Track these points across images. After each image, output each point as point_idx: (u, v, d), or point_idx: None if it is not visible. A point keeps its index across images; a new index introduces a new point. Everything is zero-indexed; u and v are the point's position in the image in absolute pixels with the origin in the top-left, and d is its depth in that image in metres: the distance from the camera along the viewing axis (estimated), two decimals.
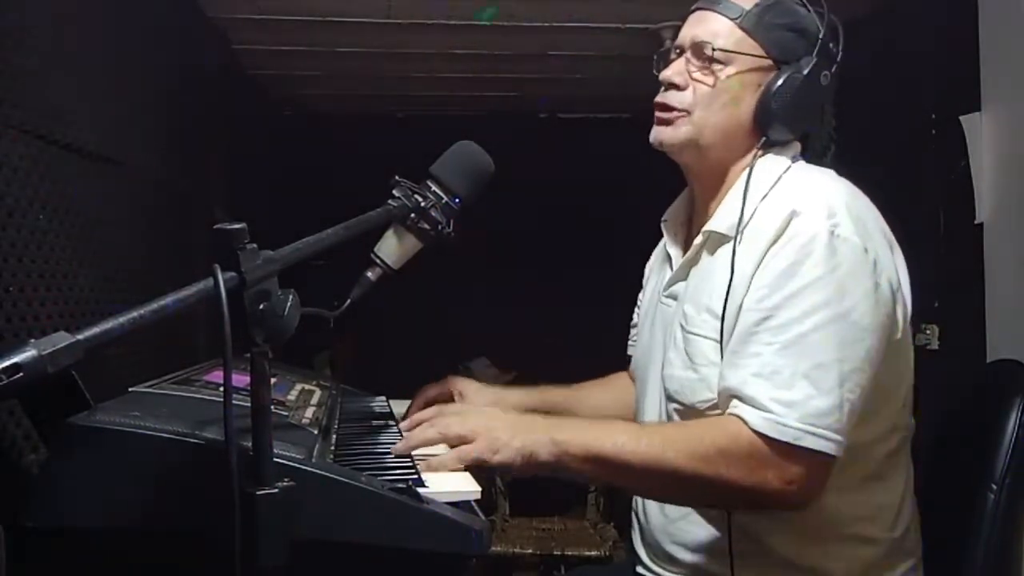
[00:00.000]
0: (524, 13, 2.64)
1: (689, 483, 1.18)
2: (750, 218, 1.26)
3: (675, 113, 1.33)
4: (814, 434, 1.13)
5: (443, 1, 2.54)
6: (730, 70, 1.30)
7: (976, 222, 2.11)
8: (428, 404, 1.54)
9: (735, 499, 1.21)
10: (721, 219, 1.31)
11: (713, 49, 1.29)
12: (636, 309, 1.62)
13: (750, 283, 1.22)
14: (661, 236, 1.52)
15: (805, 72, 1.29)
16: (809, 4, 1.34)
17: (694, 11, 1.36)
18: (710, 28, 1.31)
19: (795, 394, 1.14)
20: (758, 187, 1.28)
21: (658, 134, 1.35)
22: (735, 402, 1.18)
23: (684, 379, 1.30)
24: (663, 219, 1.50)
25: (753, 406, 1.16)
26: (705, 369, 1.27)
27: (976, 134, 2.11)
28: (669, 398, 1.34)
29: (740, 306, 1.22)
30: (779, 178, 1.29)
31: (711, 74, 1.30)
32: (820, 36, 1.30)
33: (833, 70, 1.32)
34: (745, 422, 1.16)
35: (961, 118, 2.14)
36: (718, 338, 1.24)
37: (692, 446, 1.17)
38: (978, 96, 2.10)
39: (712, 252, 1.33)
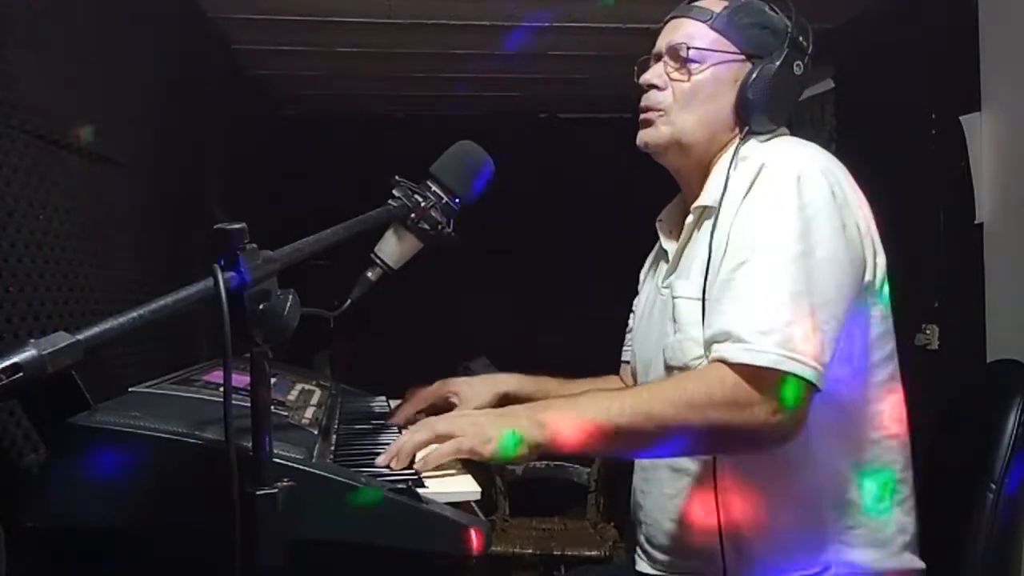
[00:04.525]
0: (524, 13, 2.64)
1: (680, 433, 1.19)
2: (731, 186, 1.31)
3: (655, 113, 1.39)
4: (792, 359, 1.15)
5: (443, 1, 2.54)
6: (706, 67, 1.36)
7: (976, 222, 2.11)
8: (421, 412, 1.55)
9: (727, 441, 1.22)
10: (707, 194, 1.36)
11: (688, 48, 1.36)
12: (631, 315, 1.63)
13: (728, 237, 1.27)
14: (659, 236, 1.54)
15: (778, 63, 1.34)
16: (776, 8, 1.39)
17: (668, 21, 1.44)
18: (684, 32, 1.38)
19: (772, 322, 1.17)
20: (740, 163, 1.33)
21: (642, 136, 1.41)
22: (716, 345, 1.21)
23: (674, 343, 1.34)
24: (658, 219, 1.54)
25: (734, 340, 1.18)
26: (692, 329, 1.30)
27: (976, 134, 2.11)
28: (667, 368, 1.37)
29: (721, 261, 1.26)
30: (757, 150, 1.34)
31: (687, 73, 1.37)
32: (789, 31, 1.36)
33: (805, 61, 1.37)
34: (726, 360, 1.18)
35: (961, 118, 2.14)
36: (701, 296, 1.28)
37: (677, 396, 1.19)
38: (978, 96, 2.10)
39: (700, 228, 1.38)
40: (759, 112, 1.35)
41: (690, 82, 1.36)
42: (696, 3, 1.40)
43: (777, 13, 1.39)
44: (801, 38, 1.37)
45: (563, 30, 2.78)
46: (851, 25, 2.69)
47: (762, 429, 1.17)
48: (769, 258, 1.21)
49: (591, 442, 1.20)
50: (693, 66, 1.36)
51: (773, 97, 1.35)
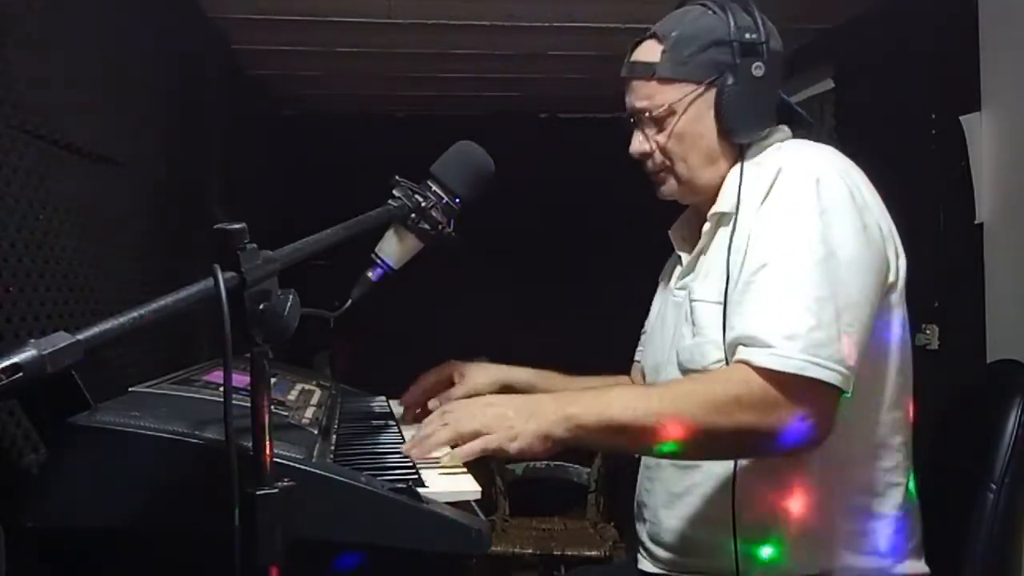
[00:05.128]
0: (524, 13, 2.64)
1: (707, 436, 1.18)
2: (748, 190, 1.31)
3: (661, 174, 1.41)
4: (818, 364, 1.15)
5: (443, 1, 2.54)
6: (677, 118, 1.36)
7: (976, 222, 2.11)
8: (428, 393, 1.55)
9: (754, 445, 1.22)
10: (723, 201, 1.36)
11: (650, 112, 1.36)
12: (648, 320, 1.63)
13: (748, 241, 1.27)
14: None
15: (731, 80, 1.32)
16: (712, 6, 1.36)
17: (623, 81, 1.42)
18: (640, 94, 1.38)
19: (797, 327, 1.16)
20: (753, 167, 1.33)
21: (660, 191, 1.44)
22: (740, 348, 1.20)
23: (693, 346, 1.33)
24: (671, 230, 1.54)
25: (758, 345, 1.18)
26: (712, 333, 1.29)
27: (976, 134, 2.11)
28: (683, 371, 1.36)
29: (742, 265, 1.26)
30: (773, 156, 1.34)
31: (664, 129, 1.37)
32: (732, 36, 1.32)
33: (764, 58, 1.33)
34: (751, 364, 1.17)
35: (961, 118, 2.14)
36: (722, 300, 1.27)
37: (705, 398, 1.18)
38: (978, 96, 2.10)
39: (717, 234, 1.37)
40: (742, 127, 1.34)
41: (671, 137, 1.37)
42: (635, 58, 1.39)
43: (715, 13, 1.35)
44: (748, 35, 1.32)
45: (563, 30, 2.78)
46: (851, 25, 2.69)
47: (790, 435, 1.16)
48: (791, 261, 1.21)
49: (614, 439, 1.21)
50: (666, 123, 1.36)
51: (747, 108, 1.33)
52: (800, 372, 1.15)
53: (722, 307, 1.27)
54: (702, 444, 1.22)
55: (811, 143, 1.37)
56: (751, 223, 1.27)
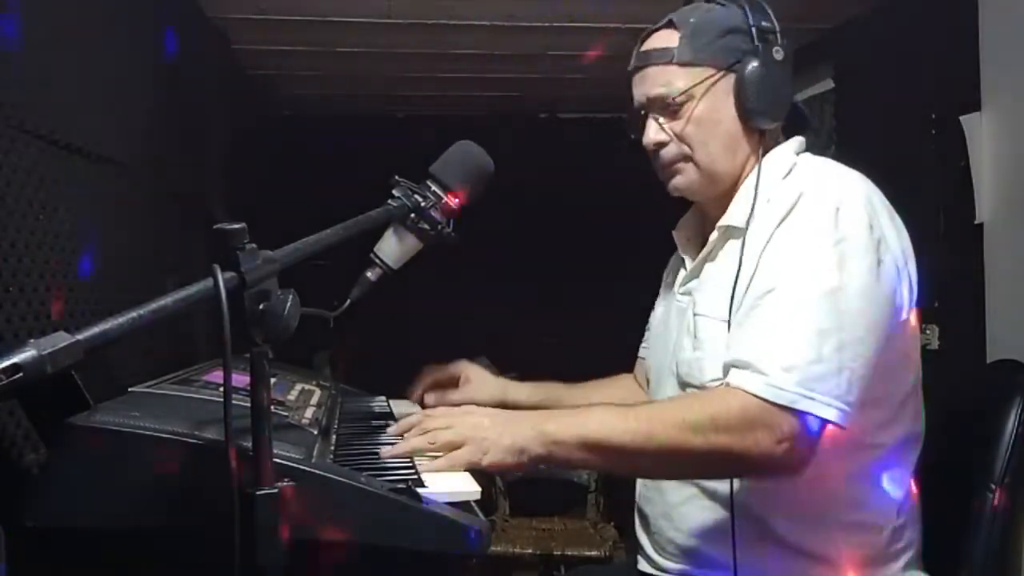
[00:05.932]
0: (524, 13, 2.64)
1: (680, 455, 1.18)
2: (763, 207, 1.29)
3: (678, 164, 1.37)
4: (812, 398, 1.14)
5: (443, 1, 2.54)
6: (695, 102, 1.34)
7: (976, 222, 2.11)
8: (433, 385, 1.60)
9: (728, 466, 1.21)
10: (735, 213, 1.34)
11: (671, 97, 1.33)
12: (652, 315, 1.63)
13: (759, 262, 1.25)
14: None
15: (756, 63, 1.31)
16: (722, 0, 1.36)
17: (634, 73, 1.40)
18: (658, 81, 1.35)
19: (796, 359, 1.15)
20: (768, 180, 1.32)
21: (674, 185, 1.40)
22: (734, 371, 1.19)
23: (693, 360, 1.33)
24: (675, 230, 1.53)
25: (754, 371, 1.16)
26: (712, 348, 1.28)
27: (976, 134, 2.11)
28: (682, 384, 1.36)
29: (749, 285, 1.24)
30: (789, 171, 1.33)
31: (682, 116, 1.35)
32: (750, 22, 1.33)
33: (781, 43, 1.33)
34: (743, 389, 1.16)
35: (961, 118, 2.14)
36: (726, 317, 1.26)
37: (680, 417, 1.17)
38: (978, 96, 2.10)
39: (725, 247, 1.36)
40: (764, 110, 1.33)
41: (691, 122, 1.34)
42: (650, 46, 1.37)
43: (725, 5, 1.35)
44: (764, 22, 1.33)
45: (563, 30, 2.78)
46: (851, 25, 2.69)
47: (765, 458, 1.15)
48: (799, 290, 1.19)
49: (590, 458, 1.20)
50: (683, 108, 1.34)
51: (769, 91, 1.32)
52: (792, 405, 1.14)
53: (726, 325, 1.25)
54: (676, 463, 1.22)
55: (837, 165, 1.34)
56: (763, 242, 1.25)
